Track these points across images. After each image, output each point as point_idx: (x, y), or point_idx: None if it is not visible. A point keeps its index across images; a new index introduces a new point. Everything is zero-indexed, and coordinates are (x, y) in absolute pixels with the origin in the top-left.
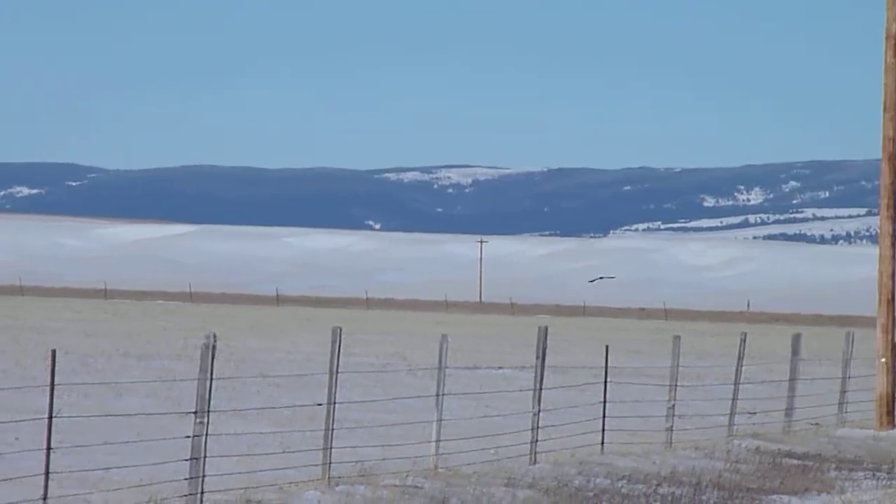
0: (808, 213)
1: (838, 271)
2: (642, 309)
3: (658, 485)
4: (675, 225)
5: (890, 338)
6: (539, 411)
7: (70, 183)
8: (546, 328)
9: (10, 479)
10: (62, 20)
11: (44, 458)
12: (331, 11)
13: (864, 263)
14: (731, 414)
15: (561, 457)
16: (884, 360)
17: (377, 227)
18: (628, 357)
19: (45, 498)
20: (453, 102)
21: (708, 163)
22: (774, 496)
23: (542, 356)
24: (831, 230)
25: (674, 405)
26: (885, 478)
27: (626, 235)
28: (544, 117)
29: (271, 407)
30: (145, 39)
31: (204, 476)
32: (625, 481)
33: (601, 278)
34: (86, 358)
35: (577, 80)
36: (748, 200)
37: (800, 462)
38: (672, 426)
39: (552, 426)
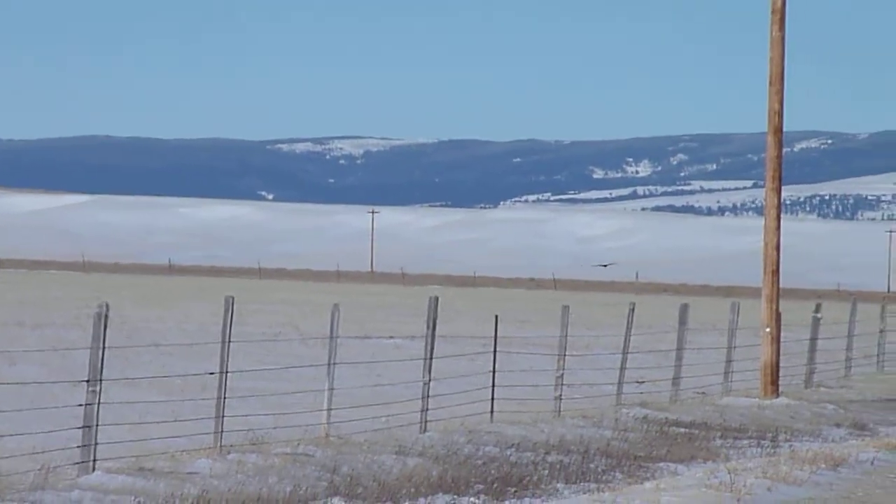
0: (696, 185)
1: (725, 242)
2: (532, 279)
3: (546, 453)
4: (565, 196)
5: (774, 308)
6: (429, 380)
7: None
8: (437, 298)
9: None
10: None
11: None
12: None
13: (750, 235)
14: (620, 383)
15: (451, 425)
16: (768, 329)
17: (270, 197)
18: (518, 327)
19: None
20: (346, 72)
21: (597, 135)
22: (661, 464)
23: (432, 326)
24: (718, 202)
25: (562, 374)
26: (769, 445)
27: (516, 207)
28: (435, 89)
29: (163, 376)
30: (40, 4)
31: (96, 444)
32: (513, 449)
33: (606, 265)
34: None
35: (467, 52)
36: (636, 172)
37: (686, 430)
38: (561, 395)
39: (442, 395)
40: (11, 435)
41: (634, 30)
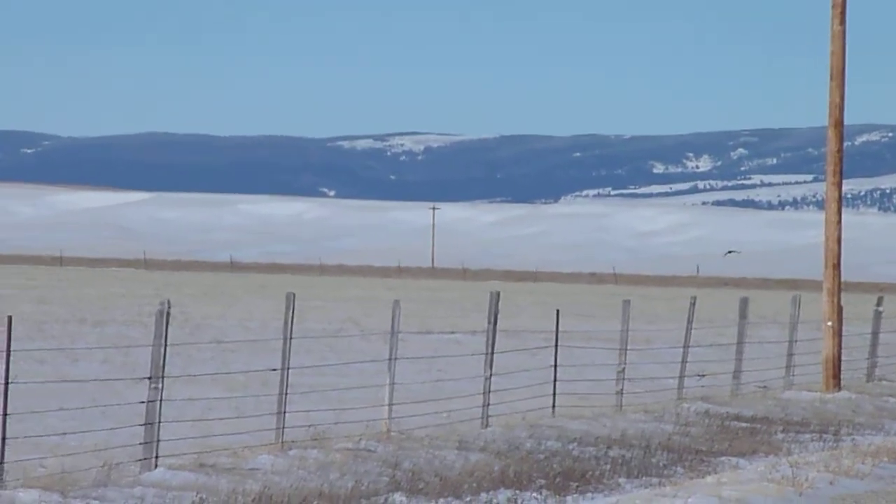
0: (756, 179)
1: (785, 237)
2: (593, 274)
3: (608, 447)
4: (625, 191)
5: (836, 301)
6: (491, 375)
7: (24, 150)
8: (498, 293)
9: None
10: None
11: (0, 423)
12: None
13: (811, 228)
14: (681, 377)
15: (512, 420)
16: (830, 323)
17: (331, 194)
18: (579, 321)
19: (1, 463)
20: (406, 70)
21: (657, 130)
22: (723, 458)
23: (493, 321)
24: (778, 196)
25: (624, 369)
26: (831, 440)
27: (576, 202)
28: (497, 84)
29: (225, 372)
30: (103, 5)
31: (158, 441)
32: (575, 444)
33: (732, 252)
34: (41, 324)
35: (529, 48)
36: (697, 167)
37: (748, 424)
38: (622, 390)
39: (504, 390)
40: (74, 432)
41: (695, 25)
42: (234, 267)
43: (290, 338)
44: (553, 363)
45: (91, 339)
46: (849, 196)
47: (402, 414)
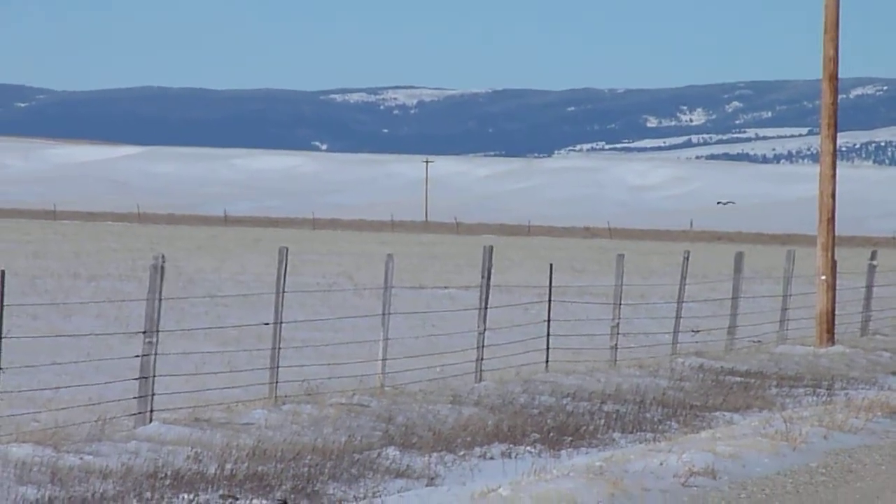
0: (751, 132)
1: (780, 190)
2: (586, 228)
3: (602, 402)
4: (619, 145)
5: (830, 256)
6: (484, 330)
7: (18, 104)
8: (491, 248)
9: None
10: None
11: None
12: None
13: (806, 182)
14: (675, 332)
15: (506, 375)
16: (824, 277)
17: (324, 147)
18: (573, 276)
19: None
20: (399, 23)
21: (651, 83)
22: (717, 413)
23: (487, 275)
24: (773, 150)
25: (618, 324)
26: (824, 394)
27: (570, 156)
28: (489, 38)
29: (219, 327)
30: None
31: (153, 395)
32: (569, 399)
33: (725, 202)
34: (34, 279)
35: (522, 1)
36: (691, 121)
37: (742, 379)
38: (616, 345)
39: (497, 345)
40: (68, 387)
41: None
42: (227, 221)
43: (284, 292)
44: (547, 318)
45: (85, 294)
46: (843, 149)
47: (396, 369)
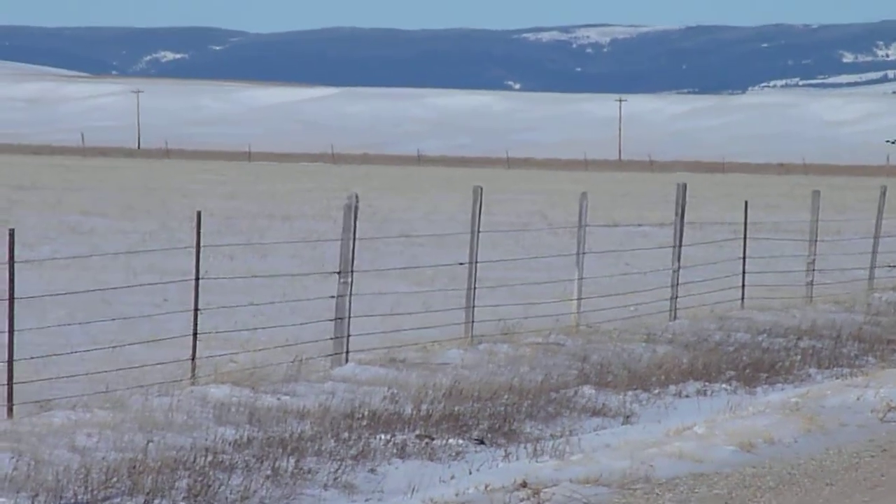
0: None
1: None
2: (781, 164)
3: (798, 338)
4: (814, 81)
5: None
6: (679, 268)
7: (213, 47)
8: (685, 185)
9: (160, 339)
10: None
11: (191, 319)
12: None
13: None
14: (871, 268)
15: (700, 312)
16: None
17: (516, 87)
18: (767, 213)
19: (192, 358)
20: None
21: (845, 18)
22: None
23: (681, 213)
24: None
25: (814, 260)
26: None
27: (763, 92)
28: None
29: (413, 267)
30: None
31: (349, 336)
32: (765, 335)
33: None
34: (230, 220)
35: None
36: (887, 56)
37: None
38: (812, 281)
39: (691, 282)
40: (264, 328)
41: None
42: (420, 161)
43: (478, 231)
44: (741, 255)
45: (280, 234)
46: None
47: (590, 308)
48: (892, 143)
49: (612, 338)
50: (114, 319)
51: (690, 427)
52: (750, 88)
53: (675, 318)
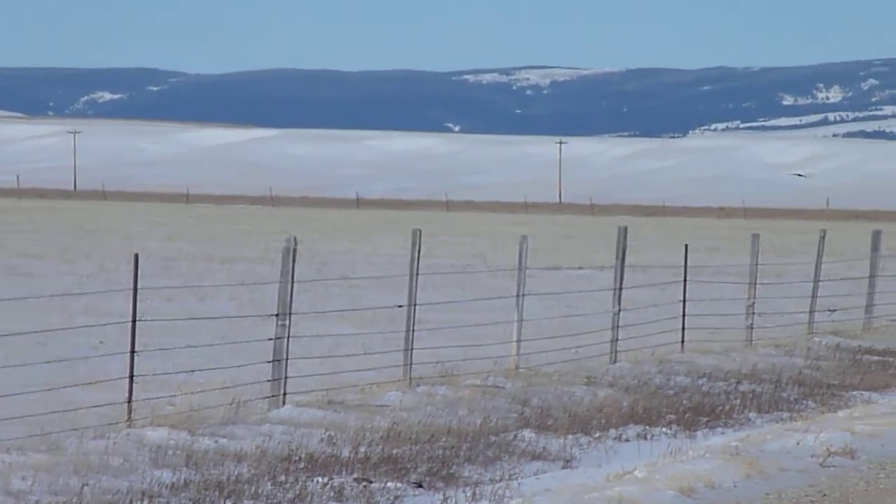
0: (888, 110)
1: None
2: (721, 208)
3: (738, 382)
4: (755, 124)
5: None
6: (619, 311)
7: (151, 88)
8: (626, 228)
9: (96, 382)
10: None
11: (128, 361)
12: None
13: None
14: (811, 311)
15: (641, 355)
16: None
17: (457, 129)
18: (708, 256)
19: (129, 401)
20: (532, 2)
21: (786, 61)
22: (855, 392)
23: (621, 256)
24: None
25: (753, 303)
26: None
27: (705, 135)
28: (622, 16)
29: (353, 309)
30: None
31: (286, 378)
32: (705, 379)
33: (802, 175)
34: (168, 261)
35: None
36: (827, 98)
37: (880, 358)
38: (752, 324)
39: (632, 325)
40: (202, 370)
41: None
42: (360, 203)
43: (417, 273)
44: (682, 298)
45: (219, 277)
46: None
47: (531, 350)
48: (801, 176)
49: (553, 380)
50: (49, 362)
51: (631, 471)
52: (691, 131)
53: (615, 360)
